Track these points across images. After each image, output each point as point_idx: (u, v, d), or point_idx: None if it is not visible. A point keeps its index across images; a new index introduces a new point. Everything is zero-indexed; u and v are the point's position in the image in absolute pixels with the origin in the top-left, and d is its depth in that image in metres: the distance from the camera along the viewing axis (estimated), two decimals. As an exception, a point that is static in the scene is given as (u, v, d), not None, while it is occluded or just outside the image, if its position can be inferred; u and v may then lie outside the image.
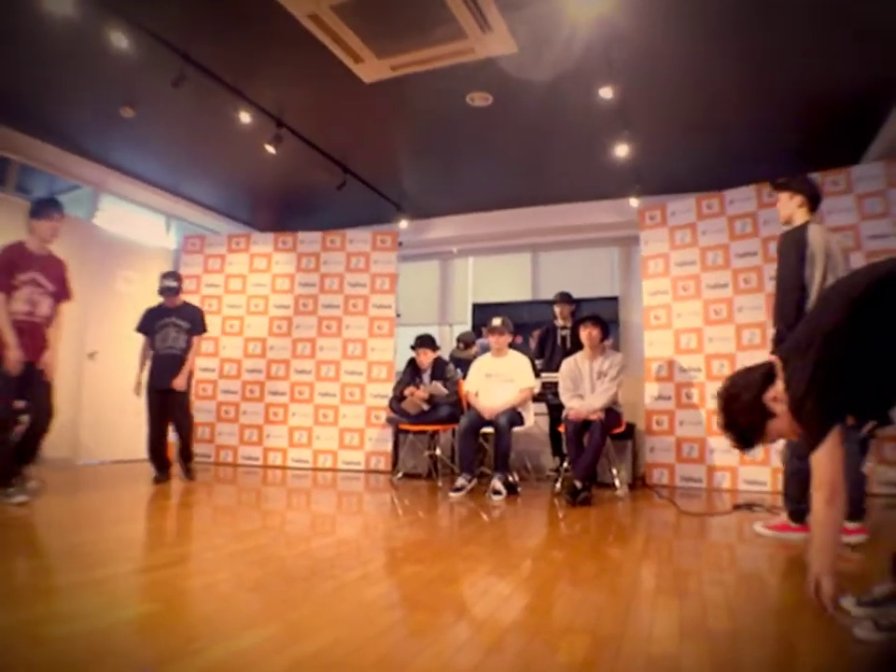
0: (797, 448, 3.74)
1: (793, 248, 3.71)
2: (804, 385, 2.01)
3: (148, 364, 6.05)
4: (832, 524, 1.99)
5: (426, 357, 6.51)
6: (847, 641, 2.00)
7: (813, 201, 3.90)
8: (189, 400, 6.20)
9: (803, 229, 3.77)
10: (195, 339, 6.16)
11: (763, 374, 2.24)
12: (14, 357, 4.50)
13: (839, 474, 1.97)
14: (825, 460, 1.98)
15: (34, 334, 4.71)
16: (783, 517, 3.90)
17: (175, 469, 6.10)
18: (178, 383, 5.91)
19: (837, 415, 2.00)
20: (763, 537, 3.85)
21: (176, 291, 6.15)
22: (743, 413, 2.24)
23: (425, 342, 6.55)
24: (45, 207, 4.88)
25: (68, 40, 4.71)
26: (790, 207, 3.92)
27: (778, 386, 2.17)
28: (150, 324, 6.12)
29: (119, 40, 4.46)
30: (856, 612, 2.11)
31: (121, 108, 5.77)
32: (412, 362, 6.63)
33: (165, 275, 6.24)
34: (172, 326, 6.07)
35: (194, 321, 6.19)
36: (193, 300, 8.04)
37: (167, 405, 5.98)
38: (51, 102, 5.79)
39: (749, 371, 2.34)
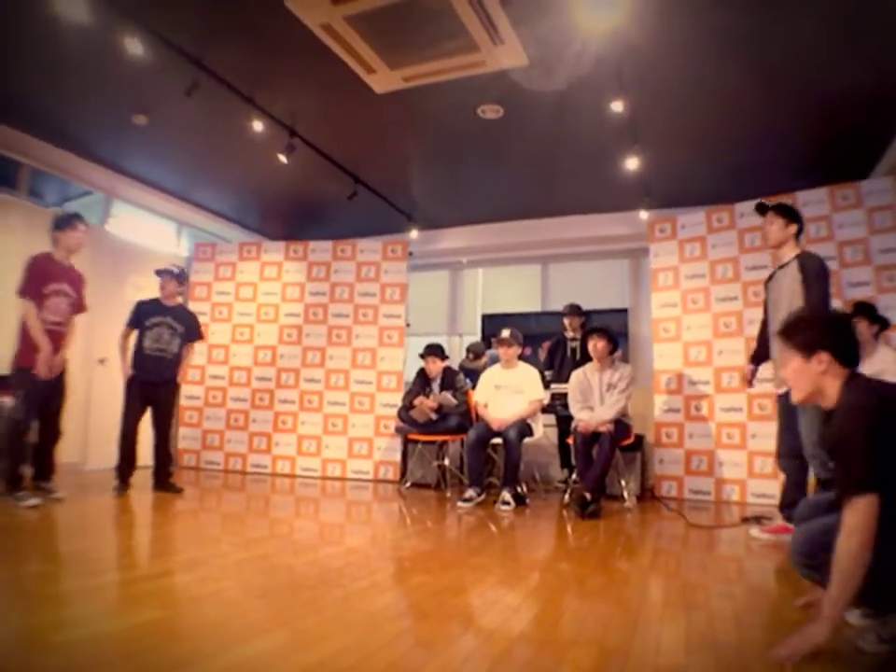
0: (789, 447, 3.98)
1: (822, 273, 3.94)
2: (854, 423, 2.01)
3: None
4: (859, 571, 1.89)
5: (434, 366, 6.53)
6: (852, 653, 2.00)
7: (801, 231, 4.20)
8: (177, 405, 5.83)
9: (815, 255, 4.08)
10: (193, 347, 5.96)
11: (840, 348, 2.21)
12: (46, 359, 4.68)
13: (872, 534, 1.90)
14: (862, 519, 1.91)
15: (61, 343, 4.90)
16: (779, 520, 4.02)
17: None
18: (179, 377, 5.78)
19: (882, 479, 1.93)
20: (758, 540, 3.94)
21: (177, 279, 5.82)
22: (799, 328, 2.31)
23: (433, 350, 6.57)
24: (71, 219, 5.02)
25: (82, 46, 4.75)
26: (785, 234, 4.14)
27: (833, 370, 2.17)
28: (142, 319, 5.67)
29: (134, 47, 4.48)
30: (860, 624, 2.11)
31: (134, 115, 5.81)
32: (421, 372, 6.64)
33: (173, 266, 5.97)
34: (166, 326, 5.68)
35: (190, 326, 5.89)
36: (204, 307, 8.12)
37: (147, 407, 5.63)
38: (64, 107, 5.83)
39: (843, 328, 2.32)
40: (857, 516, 1.92)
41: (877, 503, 1.90)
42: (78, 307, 5.10)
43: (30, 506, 4.42)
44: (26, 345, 4.73)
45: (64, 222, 4.99)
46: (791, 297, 4.01)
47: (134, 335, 5.67)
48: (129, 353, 5.63)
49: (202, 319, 8.03)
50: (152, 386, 5.57)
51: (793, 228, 4.14)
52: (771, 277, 4.40)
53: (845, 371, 2.19)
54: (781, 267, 4.19)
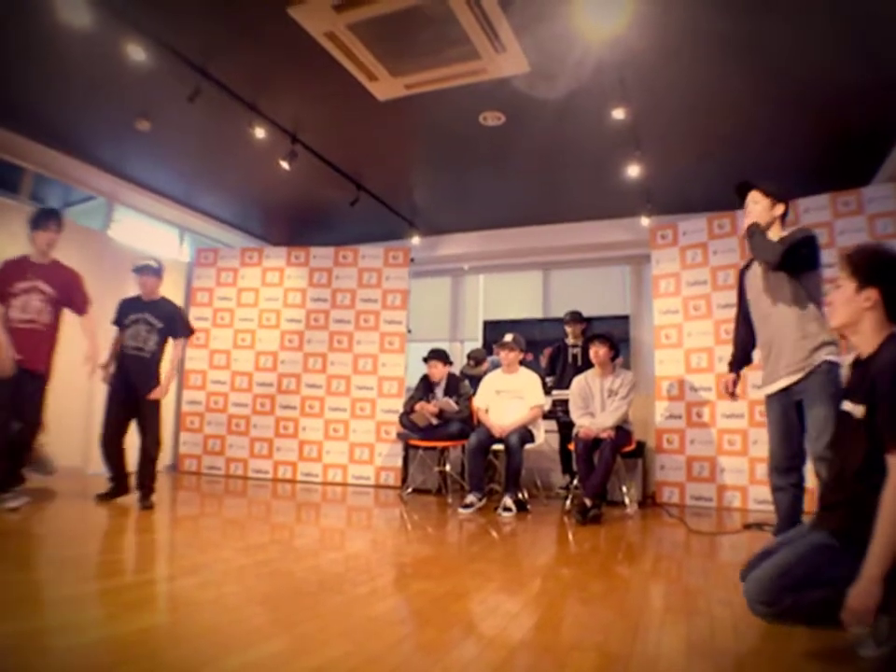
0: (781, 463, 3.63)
1: (811, 243, 3.44)
2: None
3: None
4: None
5: (436, 370, 6.51)
6: (851, 660, 1.99)
7: (787, 214, 3.66)
8: (160, 414, 5.34)
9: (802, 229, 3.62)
10: (179, 342, 5.47)
11: (893, 292, 2.17)
12: (4, 358, 4.49)
13: None
14: None
15: (34, 341, 4.74)
16: None
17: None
18: (157, 393, 5.21)
19: None
20: None
21: (155, 273, 5.42)
22: (862, 256, 2.25)
23: (436, 354, 6.56)
24: (42, 218, 4.89)
25: (85, 52, 4.77)
26: (771, 216, 3.60)
27: (878, 314, 2.16)
28: (123, 316, 5.38)
29: (137, 53, 4.51)
30: (857, 630, 2.11)
31: (137, 121, 5.80)
32: (425, 377, 6.64)
33: (150, 260, 5.56)
34: (143, 323, 5.30)
35: (171, 320, 5.41)
36: (205, 312, 8.13)
37: (132, 410, 5.24)
38: (67, 112, 5.85)
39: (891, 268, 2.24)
40: None
41: None
42: (73, 306, 4.98)
43: (11, 508, 4.38)
44: None
45: (35, 221, 4.86)
46: (779, 286, 3.53)
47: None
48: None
49: (202, 325, 8.08)
50: (134, 391, 5.22)
51: (780, 209, 3.59)
52: (748, 266, 3.82)
53: (890, 325, 2.16)
54: None
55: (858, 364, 2.25)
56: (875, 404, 2.05)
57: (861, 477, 2.05)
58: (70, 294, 4.98)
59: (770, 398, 3.67)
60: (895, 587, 1.92)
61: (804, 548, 2.12)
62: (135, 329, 5.30)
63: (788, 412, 3.55)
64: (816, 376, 3.37)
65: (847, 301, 2.23)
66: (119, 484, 5.23)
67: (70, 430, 5.81)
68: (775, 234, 3.57)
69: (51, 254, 4.94)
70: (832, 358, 3.34)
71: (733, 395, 4.04)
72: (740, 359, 4.00)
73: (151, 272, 5.41)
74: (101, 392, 5.43)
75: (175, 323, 5.47)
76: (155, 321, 5.34)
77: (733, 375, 4.00)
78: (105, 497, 5.16)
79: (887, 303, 2.16)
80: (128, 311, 5.39)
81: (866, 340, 2.18)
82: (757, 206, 3.63)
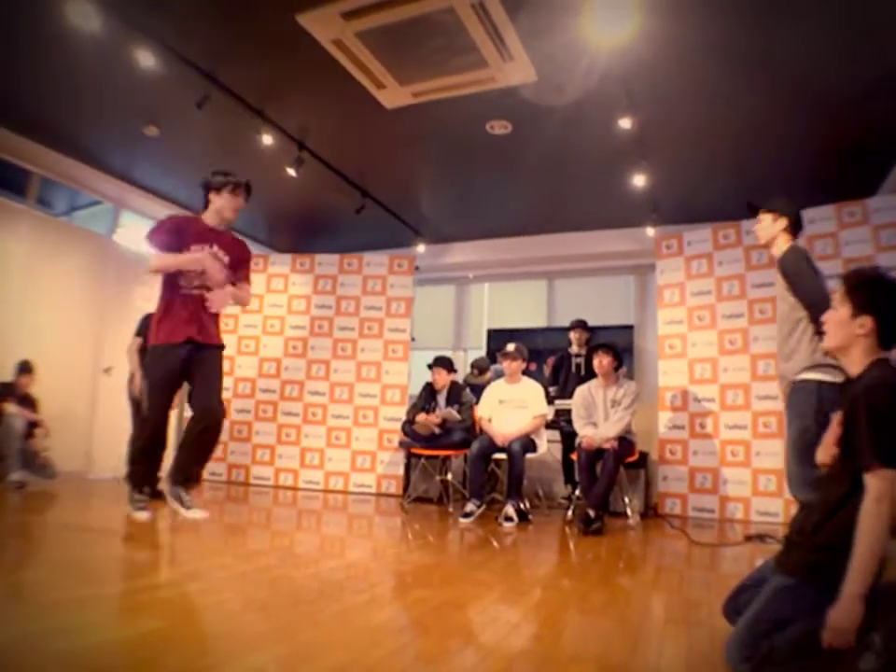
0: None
1: (800, 265, 3.51)
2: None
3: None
4: (883, 541, 1.90)
5: (440, 377, 6.51)
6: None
7: (797, 226, 3.76)
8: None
9: (793, 249, 3.64)
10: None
11: (887, 321, 2.16)
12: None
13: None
14: (890, 487, 1.90)
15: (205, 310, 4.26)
16: None
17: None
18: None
19: None
20: None
21: None
22: (861, 282, 2.23)
23: (441, 361, 6.56)
24: (227, 179, 4.41)
25: (95, 57, 4.80)
26: (772, 230, 3.74)
27: (870, 341, 2.15)
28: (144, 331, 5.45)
29: (146, 59, 4.54)
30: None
31: (145, 126, 5.84)
32: (428, 385, 6.63)
33: None
34: None
35: None
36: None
37: None
38: (75, 117, 5.89)
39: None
40: (885, 484, 1.90)
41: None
42: (239, 276, 4.46)
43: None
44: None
45: (219, 183, 4.39)
46: (780, 302, 3.65)
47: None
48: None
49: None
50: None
51: (782, 222, 3.69)
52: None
53: (880, 351, 2.15)
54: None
55: (846, 387, 2.25)
56: (853, 425, 2.05)
57: (845, 504, 2.03)
58: (241, 266, 4.53)
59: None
60: (876, 606, 1.92)
61: (766, 595, 2.13)
62: None
63: None
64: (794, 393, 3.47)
65: (840, 325, 2.23)
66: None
67: (73, 434, 5.79)
68: (781, 247, 3.69)
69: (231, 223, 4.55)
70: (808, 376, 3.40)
71: None
72: None
73: None
74: (104, 395, 5.45)
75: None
76: None
77: None
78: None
79: (880, 332, 2.15)
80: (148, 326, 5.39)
81: (855, 364, 2.18)
82: (761, 223, 3.81)
